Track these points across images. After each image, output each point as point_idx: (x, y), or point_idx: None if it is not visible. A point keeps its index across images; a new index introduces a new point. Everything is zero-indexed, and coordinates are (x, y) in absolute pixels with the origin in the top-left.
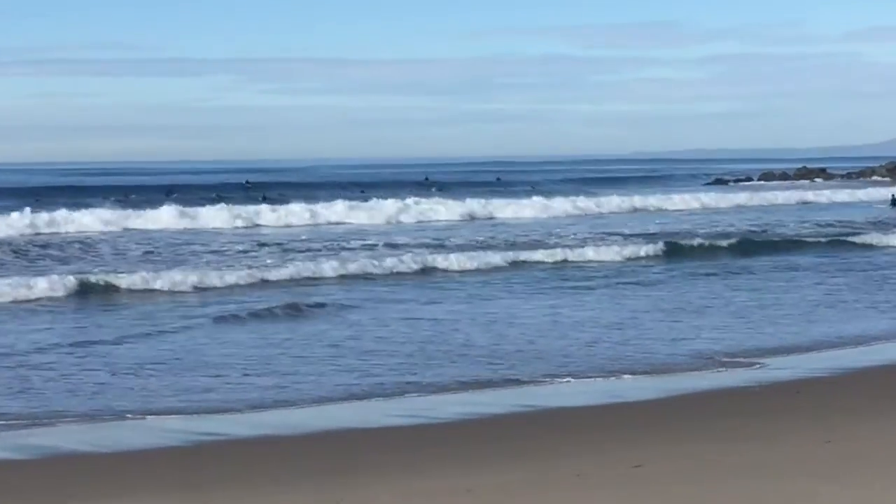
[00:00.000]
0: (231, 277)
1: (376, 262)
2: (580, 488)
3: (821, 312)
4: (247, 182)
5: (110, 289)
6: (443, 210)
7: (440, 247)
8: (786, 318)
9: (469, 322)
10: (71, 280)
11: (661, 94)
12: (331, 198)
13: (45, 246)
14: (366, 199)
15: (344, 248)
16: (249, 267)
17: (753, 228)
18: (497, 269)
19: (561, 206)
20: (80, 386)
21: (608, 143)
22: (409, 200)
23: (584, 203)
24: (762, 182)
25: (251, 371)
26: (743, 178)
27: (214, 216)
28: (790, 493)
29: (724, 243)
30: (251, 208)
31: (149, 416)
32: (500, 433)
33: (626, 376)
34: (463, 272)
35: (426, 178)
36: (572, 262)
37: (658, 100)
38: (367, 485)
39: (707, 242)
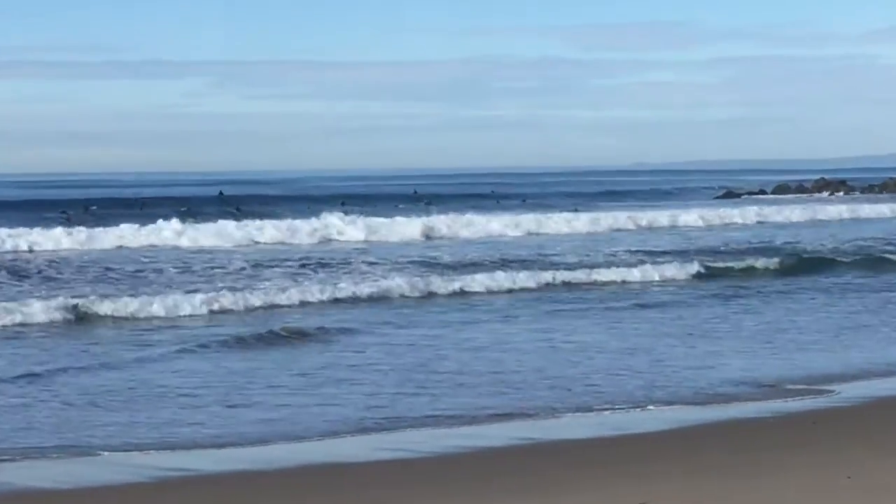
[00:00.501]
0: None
1: (403, 283)
2: None
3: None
4: (220, 193)
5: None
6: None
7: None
8: (852, 342)
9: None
10: (35, 304)
11: (665, 100)
12: (315, 211)
13: None
14: (346, 213)
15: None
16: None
17: (789, 244)
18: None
19: (556, 226)
20: (35, 418)
21: (608, 153)
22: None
23: (582, 221)
24: (777, 196)
25: (222, 403)
26: (756, 191)
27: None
28: None
29: (775, 262)
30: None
31: (106, 452)
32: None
33: (680, 406)
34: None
35: (415, 192)
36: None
37: (661, 105)
38: None
39: (752, 263)
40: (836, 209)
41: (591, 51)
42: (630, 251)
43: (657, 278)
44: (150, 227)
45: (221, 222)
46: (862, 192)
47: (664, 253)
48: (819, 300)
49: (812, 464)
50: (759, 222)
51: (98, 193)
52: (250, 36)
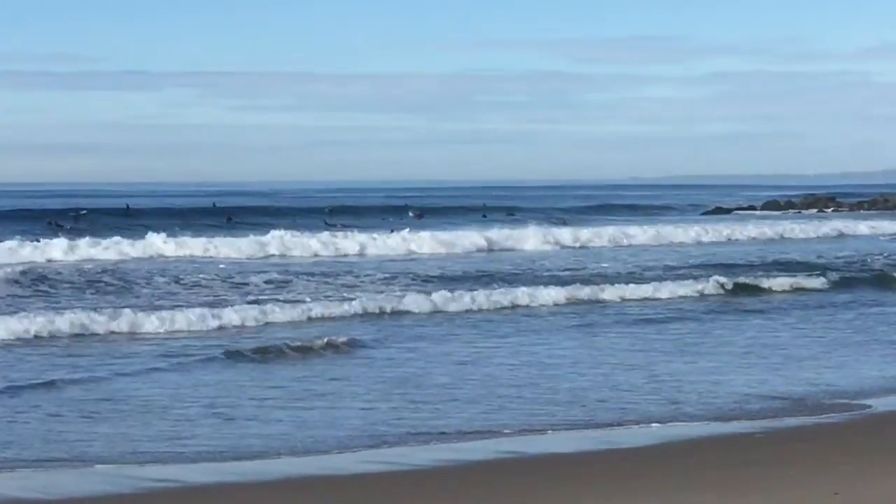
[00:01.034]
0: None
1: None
2: None
3: None
4: (214, 205)
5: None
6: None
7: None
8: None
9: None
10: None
11: (660, 115)
12: (301, 225)
13: None
14: (335, 228)
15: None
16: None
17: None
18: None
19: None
20: (21, 430)
21: (601, 169)
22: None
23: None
24: (766, 212)
25: (210, 415)
26: (746, 206)
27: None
28: None
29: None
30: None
31: (97, 465)
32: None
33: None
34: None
35: (406, 205)
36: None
37: (656, 121)
38: None
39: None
40: (826, 226)
41: (582, 65)
42: (644, 267)
43: (684, 294)
44: (145, 239)
45: (252, 236)
46: (851, 209)
47: (691, 267)
48: None
49: (800, 481)
50: (751, 238)
51: (85, 203)
52: (234, 47)
